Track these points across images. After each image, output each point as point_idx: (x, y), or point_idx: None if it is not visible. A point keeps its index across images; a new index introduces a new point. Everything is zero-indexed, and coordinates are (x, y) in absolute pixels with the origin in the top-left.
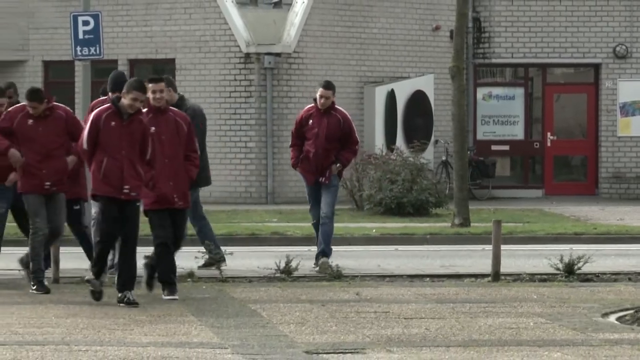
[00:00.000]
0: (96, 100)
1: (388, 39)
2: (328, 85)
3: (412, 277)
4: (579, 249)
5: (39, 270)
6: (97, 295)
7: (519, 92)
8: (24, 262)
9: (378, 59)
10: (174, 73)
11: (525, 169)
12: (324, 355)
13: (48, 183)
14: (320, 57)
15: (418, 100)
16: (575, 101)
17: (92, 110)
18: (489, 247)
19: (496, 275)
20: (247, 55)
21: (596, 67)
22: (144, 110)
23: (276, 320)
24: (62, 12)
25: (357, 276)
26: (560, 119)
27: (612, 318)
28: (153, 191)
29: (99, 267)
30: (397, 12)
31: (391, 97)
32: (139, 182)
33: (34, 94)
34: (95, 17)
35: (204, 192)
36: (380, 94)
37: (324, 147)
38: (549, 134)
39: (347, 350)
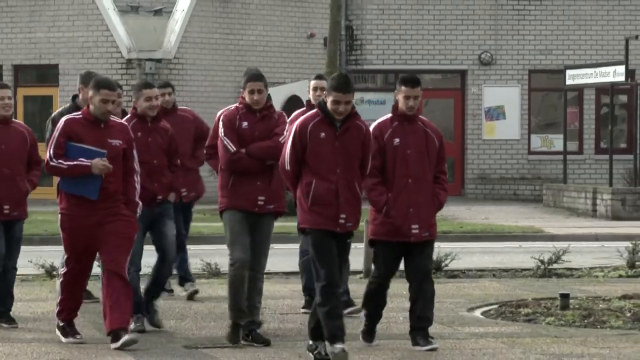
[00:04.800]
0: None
1: (265, 45)
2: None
3: (288, 274)
4: (446, 246)
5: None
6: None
7: (390, 97)
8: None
9: (255, 64)
10: (57, 78)
11: None
12: (203, 349)
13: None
14: (200, 63)
15: (293, 104)
16: (443, 106)
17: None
18: (361, 245)
19: (368, 272)
20: (129, 61)
21: (462, 74)
22: (384, 118)
23: (157, 317)
24: None
25: None
26: None
27: (478, 312)
28: (386, 218)
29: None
30: (273, 20)
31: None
32: (357, 209)
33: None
34: None
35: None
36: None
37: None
38: None
39: (225, 345)
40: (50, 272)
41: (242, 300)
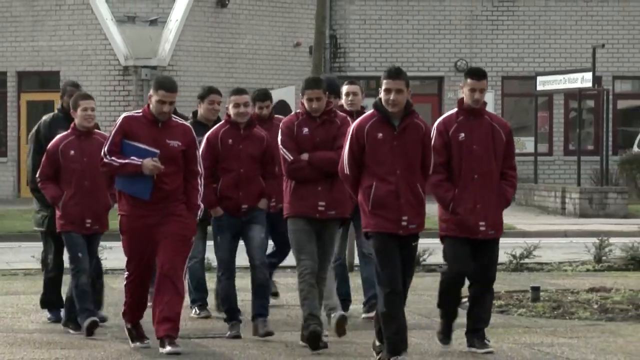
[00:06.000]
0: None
1: (254, 53)
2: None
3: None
4: (424, 242)
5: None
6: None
7: (371, 102)
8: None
9: (245, 71)
10: (58, 84)
11: None
12: (195, 339)
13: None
14: (193, 69)
15: (281, 109)
16: (421, 110)
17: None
18: None
19: (350, 266)
20: (126, 68)
21: (439, 80)
22: (449, 113)
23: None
24: None
25: None
26: None
27: None
28: (453, 215)
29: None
30: (262, 29)
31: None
32: (420, 210)
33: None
34: None
35: None
36: None
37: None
38: None
39: (216, 335)
40: None
41: (314, 307)
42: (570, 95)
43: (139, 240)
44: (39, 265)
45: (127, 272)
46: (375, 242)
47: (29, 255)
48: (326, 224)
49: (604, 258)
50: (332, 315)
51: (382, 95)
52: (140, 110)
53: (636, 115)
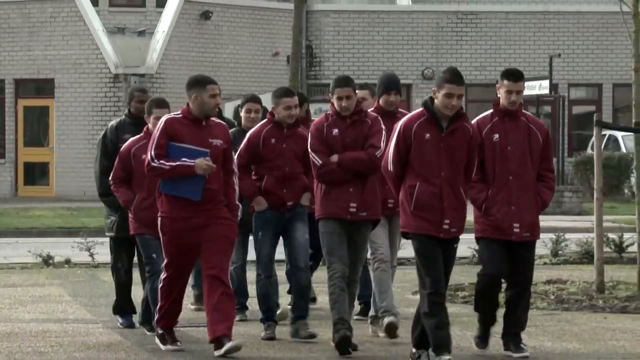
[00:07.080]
0: None
1: (235, 62)
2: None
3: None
4: None
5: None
6: None
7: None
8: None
9: (227, 79)
10: (53, 91)
11: None
12: (182, 328)
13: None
14: (179, 77)
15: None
16: None
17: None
18: None
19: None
20: (116, 76)
21: (408, 87)
22: (484, 114)
23: (140, 300)
24: None
25: None
26: None
27: None
28: (487, 216)
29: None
30: (242, 40)
31: (238, 111)
32: (461, 214)
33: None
34: None
35: (79, 190)
36: (229, 108)
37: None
38: None
39: (200, 325)
40: (46, 261)
41: (344, 311)
42: (529, 101)
43: (181, 241)
44: (35, 260)
45: (164, 274)
46: (416, 244)
47: (25, 250)
48: (358, 226)
49: (560, 252)
50: (385, 318)
51: (440, 98)
52: (179, 112)
53: (590, 119)
